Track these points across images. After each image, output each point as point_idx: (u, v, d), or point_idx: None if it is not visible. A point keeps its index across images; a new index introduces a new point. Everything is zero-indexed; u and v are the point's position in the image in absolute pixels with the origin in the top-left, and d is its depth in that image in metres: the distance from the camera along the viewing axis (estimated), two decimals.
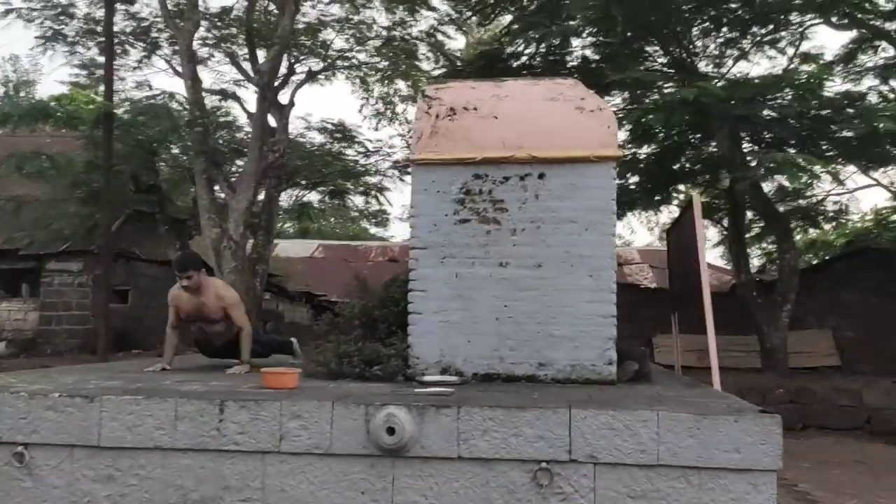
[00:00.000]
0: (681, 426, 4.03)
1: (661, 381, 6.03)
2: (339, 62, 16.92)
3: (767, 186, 14.72)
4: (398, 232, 38.31)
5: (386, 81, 25.50)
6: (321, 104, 43.34)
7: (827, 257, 18.69)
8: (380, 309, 5.97)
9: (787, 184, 14.05)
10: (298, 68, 16.97)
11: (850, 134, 11.66)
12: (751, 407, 4.30)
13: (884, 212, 18.85)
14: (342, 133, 17.25)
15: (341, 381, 5.46)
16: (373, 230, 33.40)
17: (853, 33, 15.25)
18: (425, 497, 4.18)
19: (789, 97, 11.28)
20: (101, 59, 16.43)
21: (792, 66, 15.55)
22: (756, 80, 11.76)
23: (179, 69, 16.42)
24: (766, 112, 11.19)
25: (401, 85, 26.77)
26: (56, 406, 4.40)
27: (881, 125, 9.87)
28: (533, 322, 5.65)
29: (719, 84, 12.86)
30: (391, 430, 4.11)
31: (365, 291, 6.15)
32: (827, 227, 19.03)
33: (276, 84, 15.46)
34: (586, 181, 5.69)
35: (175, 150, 16.73)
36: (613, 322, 5.61)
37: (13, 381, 4.99)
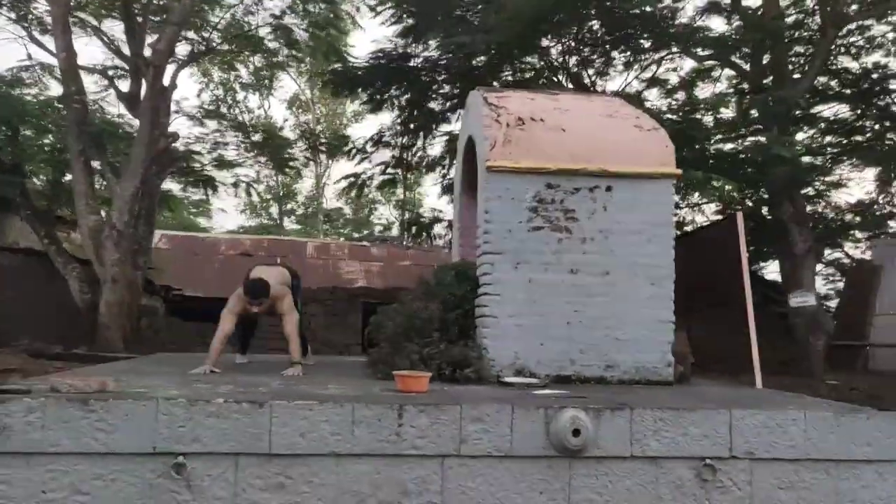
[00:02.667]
0: (824, 423, 4.56)
1: (700, 383, 6.59)
2: (225, 44, 16.14)
3: None
4: (221, 223, 36.72)
5: (226, 67, 24.68)
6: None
7: None
8: (449, 312, 6.04)
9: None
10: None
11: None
12: (858, 406, 4.93)
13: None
14: (225, 119, 16.51)
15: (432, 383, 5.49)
16: (201, 222, 31.94)
17: (693, 63, 16.97)
18: (600, 495, 4.41)
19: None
20: None
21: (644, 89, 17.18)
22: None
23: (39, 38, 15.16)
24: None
25: (242, 72, 25.96)
26: (220, 413, 4.15)
27: (781, 152, 11.14)
28: (601, 326, 6.01)
29: None
30: (577, 432, 4.30)
31: (430, 294, 6.17)
32: None
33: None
34: (649, 196, 6.13)
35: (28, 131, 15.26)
36: (672, 327, 6.10)
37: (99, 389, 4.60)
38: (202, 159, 16.64)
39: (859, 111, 16.49)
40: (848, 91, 16.04)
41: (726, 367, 11.90)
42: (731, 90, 17.29)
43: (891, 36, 15.64)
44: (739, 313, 8.05)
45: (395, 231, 34.24)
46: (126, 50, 15.13)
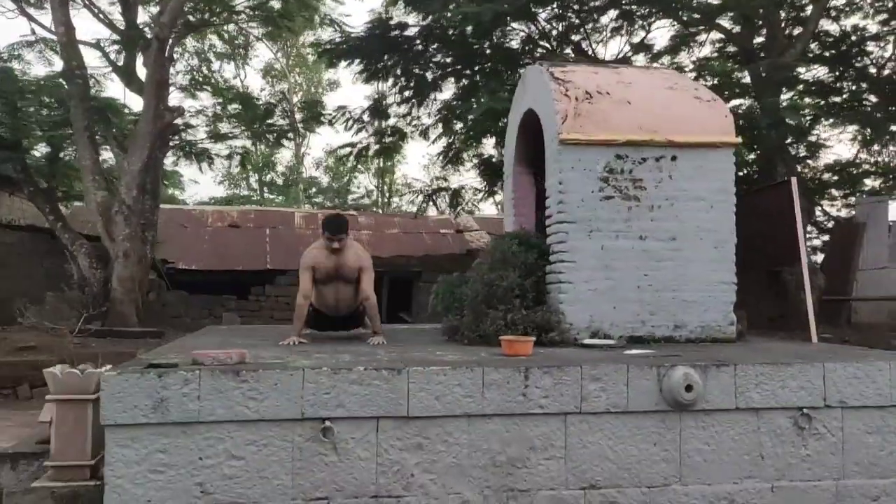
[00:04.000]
0: None
1: (756, 340, 6.98)
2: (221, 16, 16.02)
3: None
4: (196, 194, 36.32)
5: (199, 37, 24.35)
6: None
7: None
8: (524, 279, 6.31)
9: None
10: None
11: None
12: None
13: None
14: (222, 94, 16.43)
15: None
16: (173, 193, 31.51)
17: (677, 27, 17.23)
18: (707, 445, 4.76)
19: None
20: None
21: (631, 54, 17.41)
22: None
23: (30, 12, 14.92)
24: None
25: (216, 41, 25.62)
26: (362, 379, 4.39)
27: (787, 116, 11.57)
28: (669, 289, 6.33)
29: None
30: (689, 388, 4.63)
31: (506, 263, 6.42)
32: None
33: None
34: (711, 164, 6.43)
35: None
36: (734, 288, 6.45)
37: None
38: (198, 132, 16.57)
39: (838, 73, 17.00)
40: (827, 53, 16.53)
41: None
42: (716, 54, 17.64)
43: None
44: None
45: (366, 200, 34.35)
46: (114, 24, 14.98)
